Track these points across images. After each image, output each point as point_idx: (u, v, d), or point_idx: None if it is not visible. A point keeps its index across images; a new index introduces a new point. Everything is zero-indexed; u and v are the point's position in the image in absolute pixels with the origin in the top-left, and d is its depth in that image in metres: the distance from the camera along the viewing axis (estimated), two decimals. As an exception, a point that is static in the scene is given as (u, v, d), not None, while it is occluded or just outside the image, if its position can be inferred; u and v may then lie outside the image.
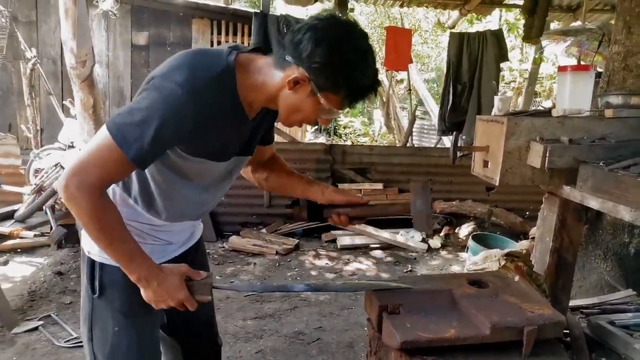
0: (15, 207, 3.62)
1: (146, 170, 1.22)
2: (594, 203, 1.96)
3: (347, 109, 1.20)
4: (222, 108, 1.14)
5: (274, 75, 1.14)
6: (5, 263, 3.86)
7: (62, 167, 3.62)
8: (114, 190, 1.28)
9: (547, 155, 1.99)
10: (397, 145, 7.75)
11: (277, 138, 5.37)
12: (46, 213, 3.55)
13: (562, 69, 2.35)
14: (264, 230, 4.86)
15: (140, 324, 1.34)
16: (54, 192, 3.57)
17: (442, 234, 4.81)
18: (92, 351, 1.34)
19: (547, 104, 8.83)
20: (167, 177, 1.24)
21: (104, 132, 1.07)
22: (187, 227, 1.42)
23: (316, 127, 13.10)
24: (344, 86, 1.10)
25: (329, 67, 1.07)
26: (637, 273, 3.00)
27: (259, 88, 1.17)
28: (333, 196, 1.41)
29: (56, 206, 3.65)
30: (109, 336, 1.31)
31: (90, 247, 1.30)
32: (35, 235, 3.99)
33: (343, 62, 1.08)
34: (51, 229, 3.76)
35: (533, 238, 3.47)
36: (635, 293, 2.91)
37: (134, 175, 1.24)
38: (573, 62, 4.55)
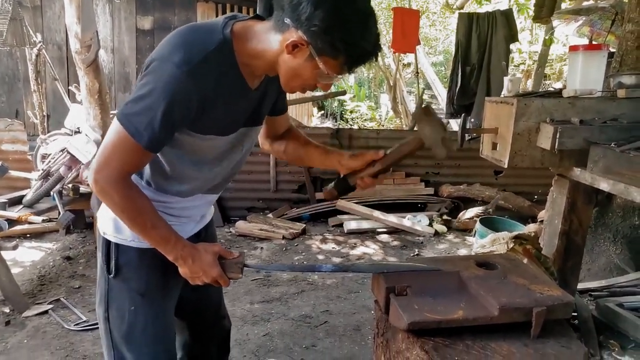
0: (23, 192, 3.62)
1: (158, 154, 1.22)
2: (604, 185, 1.93)
3: (347, 74, 1.15)
4: (223, 81, 1.13)
5: (272, 39, 1.11)
6: (15, 248, 3.89)
7: (69, 153, 3.61)
8: None
9: (558, 136, 1.96)
10: (404, 129, 7.69)
11: (283, 122, 5.35)
12: (54, 198, 3.55)
13: (573, 48, 2.30)
14: (270, 215, 4.87)
15: (156, 303, 1.36)
16: (60, 178, 3.57)
17: (443, 218, 4.78)
18: (108, 330, 1.36)
19: (557, 86, 8.70)
20: (178, 156, 1.24)
21: (116, 124, 1.10)
22: (203, 203, 1.43)
23: (322, 111, 13.05)
24: (343, 51, 1.06)
25: (328, 30, 1.03)
26: (647, 256, 2.98)
27: (259, 55, 1.14)
28: (350, 164, 1.38)
29: (63, 191, 3.65)
30: (126, 315, 1.33)
31: (105, 227, 1.32)
32: (43, 221, 4.00)
33: (343, 26, 1.04)
34: (59, 214, 3.78)
35: (542, 221, 3.45)
36: (644, 276, 2.89)
37: None
38: (585, 42, 4.45)
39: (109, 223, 1.30)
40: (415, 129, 1.33)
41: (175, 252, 1.21)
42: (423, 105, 1.32)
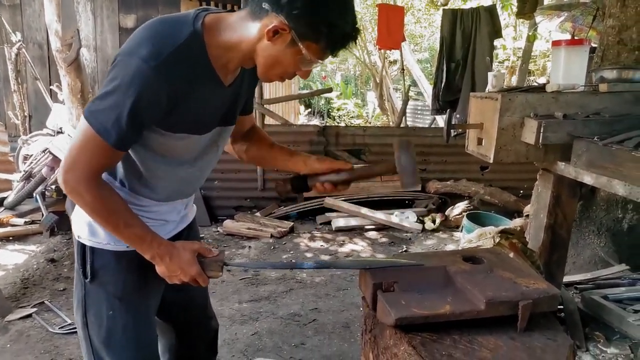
0: (4, 194, 3.57)
1: (130, 152, 1.19)
2: (588, 178, 1.95)
3: (330, 58, 1.14)
4: (194, 76, 1.09)
5: (249, 28, 1.08)
6: (-3, 251, 3.83)
7: (51, 153, 3.56)
8: None
9: (542, 131, 1.98)
10: (391, 126, 7.71)
11: (269, 120, 5.32)
12: (36, 200, 3.51)
13: (556, 43, 2.32)
14: (258, 214, 4.85)
15: (135, 306, 1.32)
16: (43, 179, 3.52)
17: (437, 220, 4.78)
18: (87, 336, 1.32)
19: (542, 81, 8.78)
20: (151, 157, 1.20)
21: (83, 122, 1.06)
22: (179, 206, 1.39)
23: (309, 109, 13.04)
24: (325, 34, 1.05)
25: (311, 14, 1.02)
26: (631, 248, 3.02)
27: (233, 46, 1.11)
28: (315, 165, 1.37)
29: (46, 193, 3.60)
30: (104, 320, 1.29)
31: (80, 231, 1.28)
32: (25, 223, 3.94)
33: (325, 9, 1.03)
34: (42, 216, 3.72)
35: (527, 216, 3.48)
36: (628, 268, 2.93)
37: None
38: (567, 37, 4.50)
39: (83, 226, 1.26)
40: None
41: (152, 251, 1.17)
42: (406, 139, 1.36)
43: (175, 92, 1.07)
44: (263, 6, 1.04)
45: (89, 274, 1.28)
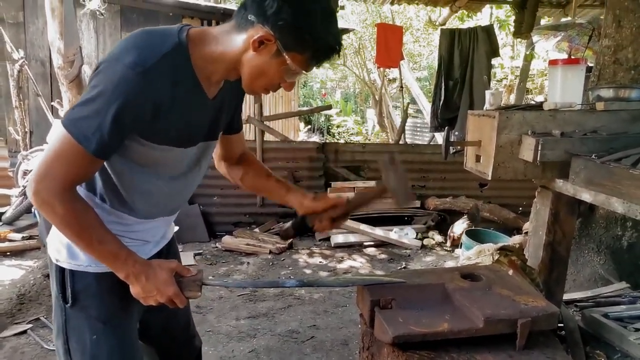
0: (2, 209, 3.56)
1: (108, 166, 1.16)
2: (586, 196, 1.95)
3: (316, 68, 1.15)
4: (178, 86, 1.08)
5: (234, 40, 1.09)
6: (-6, 266, 3.81)
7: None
8: (78, 191, 1.19)
9: (539, 148, 1.98)
10: (390, 143, 7.74)
11: (269, 137, 5.34)
12: (35, 215, 3.50)
13: (553, 62, 2.35)
14: (257, 230, 4.83)
15: (119, 329, 1.28)
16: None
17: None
18: None
19: (539, 99, 8.84)
20: (132, 170, 1.17)
21: (61, 130, 1.03)
22: (160, 224, 1.36)
23: (309, 126, 13.11)
24: (310, 44, 1.06)
25: (297, 25, 1.04)
26: (630, 266, 3.01)
27: (218, 58, 1.11)
28: (311, 205, 1.38)
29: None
30: (87, 346, 1.24)
31: (57, 254, 1.23)
32: (23, 238, 3.93)
33: (310, 20, 1.05)
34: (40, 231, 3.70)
35: (526, 233, 3.47)
36: (628, 286, 2.92)
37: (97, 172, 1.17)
38: (564, 57, 4.55)
39: (61, 249, 1.22)
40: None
41: (126, 269, 1.12)
42: (389, 155, 1.36)
43: (159, 101, 1.06)
44: (249, 18, 1.05)
45: (69, 299, 1.23)
